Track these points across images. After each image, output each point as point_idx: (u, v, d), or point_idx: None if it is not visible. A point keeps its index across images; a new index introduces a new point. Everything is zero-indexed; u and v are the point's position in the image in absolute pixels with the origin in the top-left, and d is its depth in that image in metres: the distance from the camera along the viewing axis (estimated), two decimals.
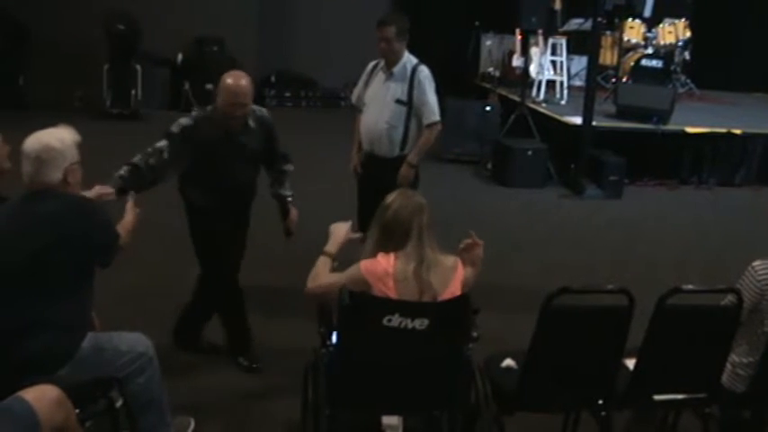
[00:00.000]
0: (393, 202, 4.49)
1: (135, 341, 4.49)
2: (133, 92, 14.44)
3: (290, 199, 6.49)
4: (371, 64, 7.72)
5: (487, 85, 15.39)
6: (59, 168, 4.42)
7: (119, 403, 4.42)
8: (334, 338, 4.55)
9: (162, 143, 5.92)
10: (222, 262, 6.11)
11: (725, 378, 4.84)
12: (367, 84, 7.59)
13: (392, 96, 7.39)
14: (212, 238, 6.07)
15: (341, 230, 4.81)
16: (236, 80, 5.94)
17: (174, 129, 5.95)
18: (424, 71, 7.62)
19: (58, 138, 4.52)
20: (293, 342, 6.07)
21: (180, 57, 15.24)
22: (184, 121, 5.99)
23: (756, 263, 4.81)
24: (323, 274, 4.63)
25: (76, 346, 4.29)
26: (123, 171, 5.82)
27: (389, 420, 4.94)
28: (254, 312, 6.36)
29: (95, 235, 4.46)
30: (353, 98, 7.72)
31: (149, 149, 5.89)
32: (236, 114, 5.95)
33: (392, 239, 4.41)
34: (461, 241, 4.79)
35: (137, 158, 5.88)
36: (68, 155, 4.49)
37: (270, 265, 7.84)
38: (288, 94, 16.10)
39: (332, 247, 4.73)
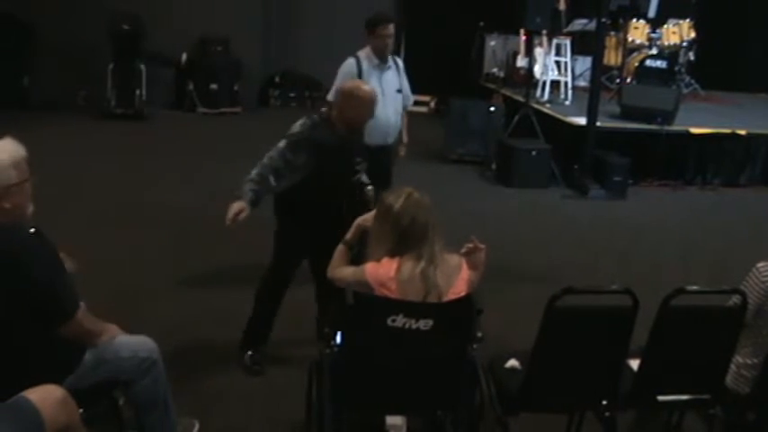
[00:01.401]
0: (404, 207, 4.47)
1: (139, 345, 4.45)
2: (137, 92, 14.45)
3: (369, 187, 6.48)
4: (353, 63, 7.78)
5: (491, 86, 15.39)
6: None
7: (121, 401, 4.42)
8: (338, 339, 4.56)
9: (284, 148, 5.95)
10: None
11: (729, 379, 4.83)
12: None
13: (393, 87, 7.75)
14: (308, 240, 6.07)
15: (362, 221, 4.83)
16: (373, 97, 6.01)
17: (298, 133, 5.98)
18: (399, 59, 7.99)
19: None
20: (297, 343, 6.08)
21: (184, 57, 15.25)
22: (307, 123, 6.04)
23: (761, 264, 4.80)
24: (339, 265, 4.76)
25: (77, 360, 4.26)
26: (252, 184, 5.78)
27: (393, 420, 4.94)
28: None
29: (29, 289, 3.90)
30: None
31: (270, 156, 5.92)
32: (362, 127, 6.19)
33: (408, 245, 4.42)
34: (464, 245, 4.79)
35: (260, 169, 5.87)
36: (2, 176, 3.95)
37: None
38: (292, 95, 16.11)
39: (350, 235, 4.81)
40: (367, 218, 4.80)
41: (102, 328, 4.34)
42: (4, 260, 3.82)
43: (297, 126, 6.04)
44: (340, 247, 4.79)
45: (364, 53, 7.84)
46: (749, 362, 4.83)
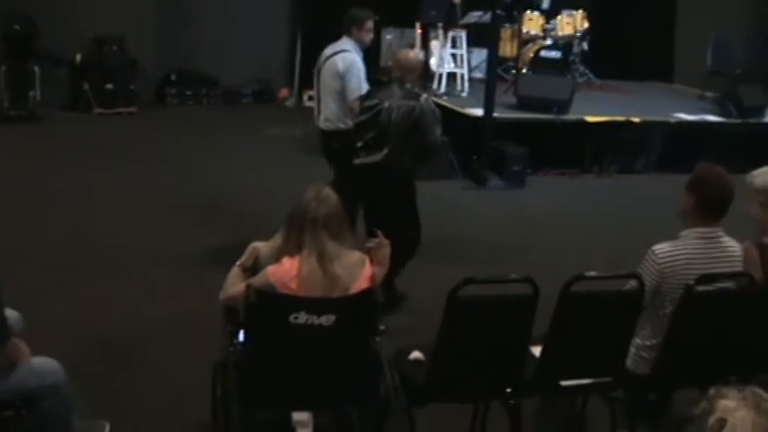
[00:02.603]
0: (305, 204, 4.50)
1: (44, 370, 4.40)
2: (31, 93, 14.16)
3: None
4: (359, 59, 8.31)
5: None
6: None
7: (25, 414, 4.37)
8: (241, 337, 4.54)
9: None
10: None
11: (629, 361, 4.93)
12: None
13: None
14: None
15: (257, 245, 4.78)
16: None
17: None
18: None
19: None
20: (204, 342, 6.04)
21: (79, 57, 15.01)
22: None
23: (656, 247, 4.90)
24: (233, 284, 4.64)
25: None
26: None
27: (300, 416, 4.94)
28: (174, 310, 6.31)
29: None
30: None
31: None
32: None
33: (308, 241, 4.43)
34: (369, 240, 4.82)
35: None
36: None
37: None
38: (189, 93, 15.95)
39: (245, 258, 4.71)
40: (261, 244, 4.76)
41: (18, 355, 4.31)
42: None
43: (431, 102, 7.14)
44: (234, 270, 4.72)
45: (351, 46, 8.26)
46: (648, 343, 4.93)
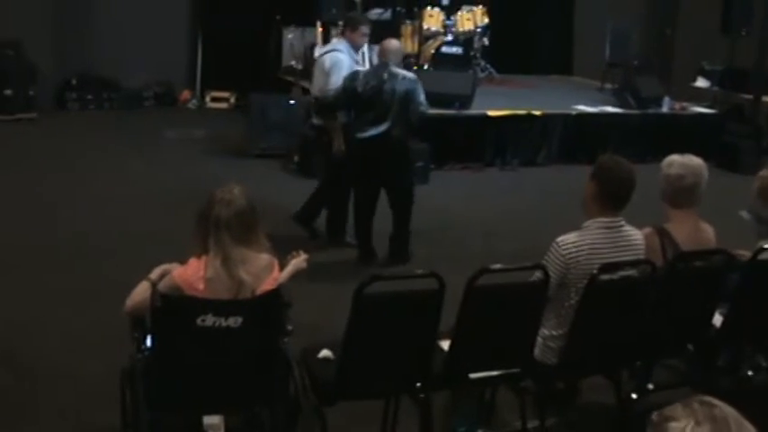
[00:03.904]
0: (210, 204, 4.47)
1: None
2: None
3: None
4: (344, 57, 8.88)
5: (291, 79, 15.36)
6: None
7: None
8: (148, 342, 4.50)
9: None
10: None
11: (537, 352, 4.98)
12: None
13: None
14: None
15: (168, 266, 4.71)
16: None
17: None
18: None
19: None
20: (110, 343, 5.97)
21: None
22: None
23: (560, 238, 4.96)
24: (139, 293, 4.58)
25: None
26: None
27: (210, 420, 4.89)
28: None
29: None
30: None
31: None
32: None
33: (197, 238, 4.41)
34: (290, 253, 4.86)
35: None
36: None
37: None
38: (90, 97, 15.72)
39: (155, 275, 4.64)
40: (172, 265, 4.69)
41: None
42: None
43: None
44: (143, 283, 4.65)
45: (343, 47, 8.96)
46: (555, 333, 4.98)
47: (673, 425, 2.32)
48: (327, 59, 8.89)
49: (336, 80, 8.58)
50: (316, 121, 9.11)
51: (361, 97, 8.14)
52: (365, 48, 13.91)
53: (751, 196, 5.60)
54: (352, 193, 8.66)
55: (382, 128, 8.07)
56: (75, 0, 15.39)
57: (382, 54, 8.37)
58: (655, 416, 2.36)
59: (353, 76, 8.32)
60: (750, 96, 15.11)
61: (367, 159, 8.28)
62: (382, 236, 8.53)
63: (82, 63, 15.58)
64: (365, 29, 9.12)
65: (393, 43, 8.52)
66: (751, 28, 15.09)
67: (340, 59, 8.79)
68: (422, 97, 8.20)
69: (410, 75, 8.29)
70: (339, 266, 8.25)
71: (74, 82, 15.66)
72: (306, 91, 13.90)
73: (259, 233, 4.56)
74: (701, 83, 16.66)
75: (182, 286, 4.35)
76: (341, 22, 13.54)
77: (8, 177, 10.72)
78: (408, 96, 8.06)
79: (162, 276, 4.58)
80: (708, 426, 2.30)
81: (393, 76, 8.09)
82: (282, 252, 4.87)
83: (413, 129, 8.52)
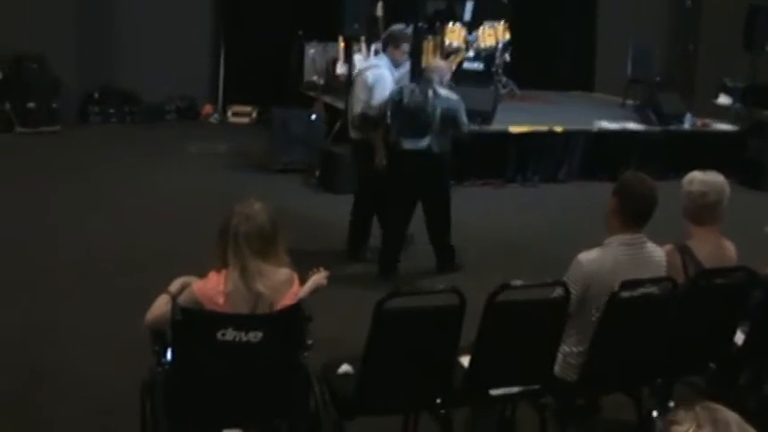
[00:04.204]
0: (230, 218, 4.49)
1: None
2: None
3: None
4: (387, 74, 8.94)
5: (312, 94, 15.39)
6: None
7: None
8: (168, 355, 4.51)
9: None
10: None
11: (557, 368, 4.96)
12: None
13: None
14: None
15: (187, 278, 4.71)
16: None
17: None
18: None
19: None
20: (130, 356, 5.98)
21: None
22: None
23: (581, 255, 4.95)
24: (159, 306, 4.57)
25: None
26: None
27: None
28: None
29: None
30: None
31: None
32: None
33: (218, 252, 4.42)
34: (312, 269, 4.88)
35: None
36: None
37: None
38: (112, 110, 15.79)
39: (174, 288, 4.64)
40: (191, 278, 4.69)
41: None
42: None
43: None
44: (162, 296, 4.65)
45: (384, 63, 9.03)
46: (575, 350, 4.97)
47: (676, 428, 2.37)
48: (370, 75, 8.92)
49: (380, 95, 8.68)
50: (354, 135, 9.09)
51: (404, 112, 8.35)
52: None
53: None
54: (388, 207, 8.85)
55: (422, 143, 8.31)
56: (98, 14, 15.48)
57: (428, 72, 8.70)
58: (659, 420, 2.41)
59: (400, 91, 8.49)
60: None
61: (406, 172, 8.50)
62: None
63: (104, 77, 15.68)
64: (407, 47, 9.30)
65: (439, 63, 9.17)
66: None
67: (383, 75, 8.86)
68: (464, 117, 8.49)
69: (453, 95, 8.51)
70: (360, 280, 8.24)
71: (96, 95, 15.75)
72: (328, 106, 13.96)
73: (279, 248, 4.56)
74: (723, 99, 16.60)
75: (201, 300, 4.36)
76: (362, 37, 13.64)
77: (31, 189, 10.79)
78: (449, 115, 8.32)
79: (182, 289, 4.58)
80: (709, 428, 2.33)
81: (437, 94, 8.32)
82: (302, 267, 4.87)
83: (455, 145, 8.70)
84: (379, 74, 8.88)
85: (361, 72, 9.19)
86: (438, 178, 8.66)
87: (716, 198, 5.33)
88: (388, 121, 8.47)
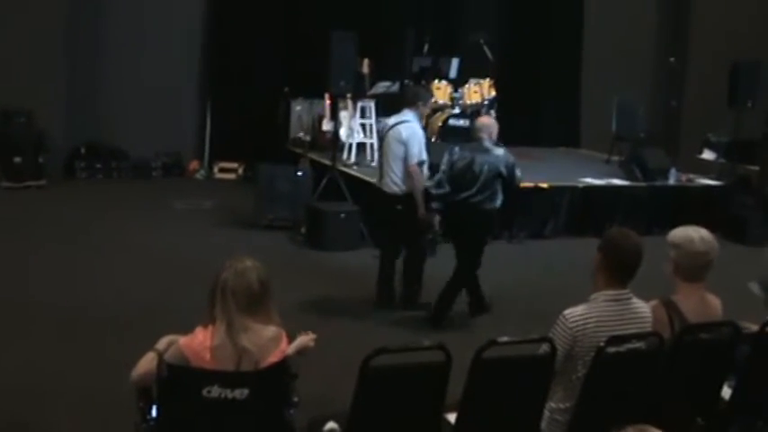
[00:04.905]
0: (222, 274, 4.51)
1: None
2: None
3: None
4: (420, 128, 9.54)
5: (298, 150, 15.44)
6: None
7: None
8: (154, 412, 4.48)
9: None
10: None
11: (544, 425, 4.94)
12: None
13: None
14: None
15: (173, 337, 4.70)
16: None
17: None
18: None
19: None
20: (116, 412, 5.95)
21: None
22: None
23: (567, 311, 4.95)
24: (145, 363, 4.56)
25: None
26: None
27: None
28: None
29: None
30: None
31: None
32: None
33: (207, 308, 4.43)
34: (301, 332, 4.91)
35: None
36: None
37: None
38: (99, 166, 15.79)
39: (162, 345, 4.63)
40: (177, 336, 4.68)
41: None
42: None
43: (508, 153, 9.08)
44: (149, 353, 4.64)
45: (412, 117, 9.41)
46: (561, 406, 4.95)
47: None
48: (403, 130, 9.22)
49: (419, 150, 9.18)
50: (396, 189, 9.34)
51: (455, 168, 8.94)
52: (372, 119, 14.11)
53: (761, 267, 5.60)
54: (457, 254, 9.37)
55: (466, 194, 8.84)
56: (86, 70, 15.52)
57: (477, 131, 9.16)
58: None
59: (452, 151, 9.15)
60: (756, 168, 15.18)
61: (453, 222, 9.34)
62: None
63: (91, 132, 15.70)
64: (431, 102, 10.37)
65: (483, 120, 9.75)
66: (756, 100, 15.20)
67: (415, 129, 9.29)
68: (511, 171, 8.98)
69: (500, 152, 8.97)
70: (345, 334, 8.21)
71: (83, 151, 15.75)
72: (314, 163, 13.98)
73: (269, 306, 4.56)
74: (708, 155, 16.74)
75: (188, 356, 4.35)
76: (349, 95, 13.70)
77: (15, 244, 10.76)
78: (495, 170, 8.83)
79: (168, 346, 4.57)
80: None
81: (485, 151, 8.89)
82: (288, 324, 4.85)
83: (506, 198, 9.14)
84: (412, 129, 9.24)
85: (390, 127, 9.38)
86: (476, 226, 9.16)
87: (713, 256, 5.36)
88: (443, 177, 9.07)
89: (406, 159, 9.17)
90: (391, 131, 9.33)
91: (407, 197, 9.22)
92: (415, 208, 9.19)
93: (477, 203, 8.86)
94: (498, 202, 9.02)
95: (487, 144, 8.94)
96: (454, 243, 9.42)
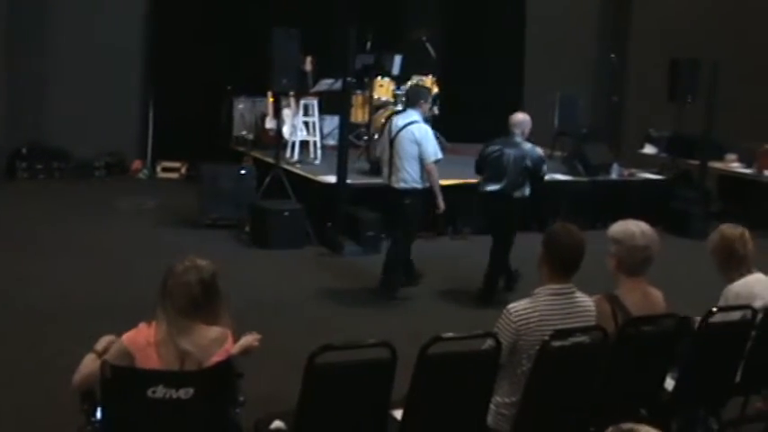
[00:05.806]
0: (171, 273, 4.49)
1: None
2: None
3: None
4: (428, 127, 9.96)
5: (242, 149, 15.40)
6: None
7: None
8: (98, 414, 4.45)
9: None
10: None
11: (490, 419, 4.97)
12: None
13: None
14: None
15: (111, 337, 4.66)
16: None
17: None
18: None
19: None
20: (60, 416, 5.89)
21: None
22: None
23: (511, 305, 4.99)
24: (87, 365, 4.53)
25: None
26: None
27: None
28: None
29: None
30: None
31: None
32: None
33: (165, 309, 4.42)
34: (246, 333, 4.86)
35: None
36: None
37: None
38: (40, 167, 15.65)
39: (100, 347, 4.60)
40: (114, 337, 4.65)
41: None
42: None
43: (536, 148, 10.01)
44: (89, 355, 4.61)
45: (419, 116, 9.81)
46: (507, 400, 4.98)
47: None
48: (415, 131, 9.57)
49: (434, 149, 9.68)
50: (413, 185, 9.74)
51: (487, 160, 9.79)
52: (315, 117, 14.10)
53: None
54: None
55: (497, 186, 9.64)
56: (26, 70, 15.37)
57: (511, 126, 9.89)
58: None
59: (488, 144, 9.97)
60: (697, 162, 15.34)
61: (485, 211, 10.27)
62: None
63: (32, 132, 15.54)
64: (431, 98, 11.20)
65: (518, 116, 10.14)
66: (696, 95, 15.36)
67: (427, 129, 9.73)
68: (538, 166, 9.80)
69: (528, 146, 9.81)
70: (290, 334, 8.19)
71: (24, 151, 15.59)
72: (258, 161, 13.93)
73: (216, 307, 4.53)
74: (649, 149, 16.92)
75: (132, 350, 4.33)
76: (291, 93, 13.66)
77: None
78: (522, 164, 9.64)
79: (108, 346, 4.54)
80: None
81: (515, 145, 9.72)
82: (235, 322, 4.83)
83: (532, 189, 9.93)
84: (422, 128, 9.65)
85: (400, 129, 9.66)
86: (507, 215, 9.89)
87: (655, 250, 5.42)
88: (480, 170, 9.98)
89: (420, 158, 9.57)
90: (403, 132, 9.60)
91: (416, 192, 9.74)
92: (420, 202, 9.82)
93: (507, 193, 9.63)
94: (527, 191, 9.80)
95: (518, 139, 9.75)
96: (490, 231, 10.25)
